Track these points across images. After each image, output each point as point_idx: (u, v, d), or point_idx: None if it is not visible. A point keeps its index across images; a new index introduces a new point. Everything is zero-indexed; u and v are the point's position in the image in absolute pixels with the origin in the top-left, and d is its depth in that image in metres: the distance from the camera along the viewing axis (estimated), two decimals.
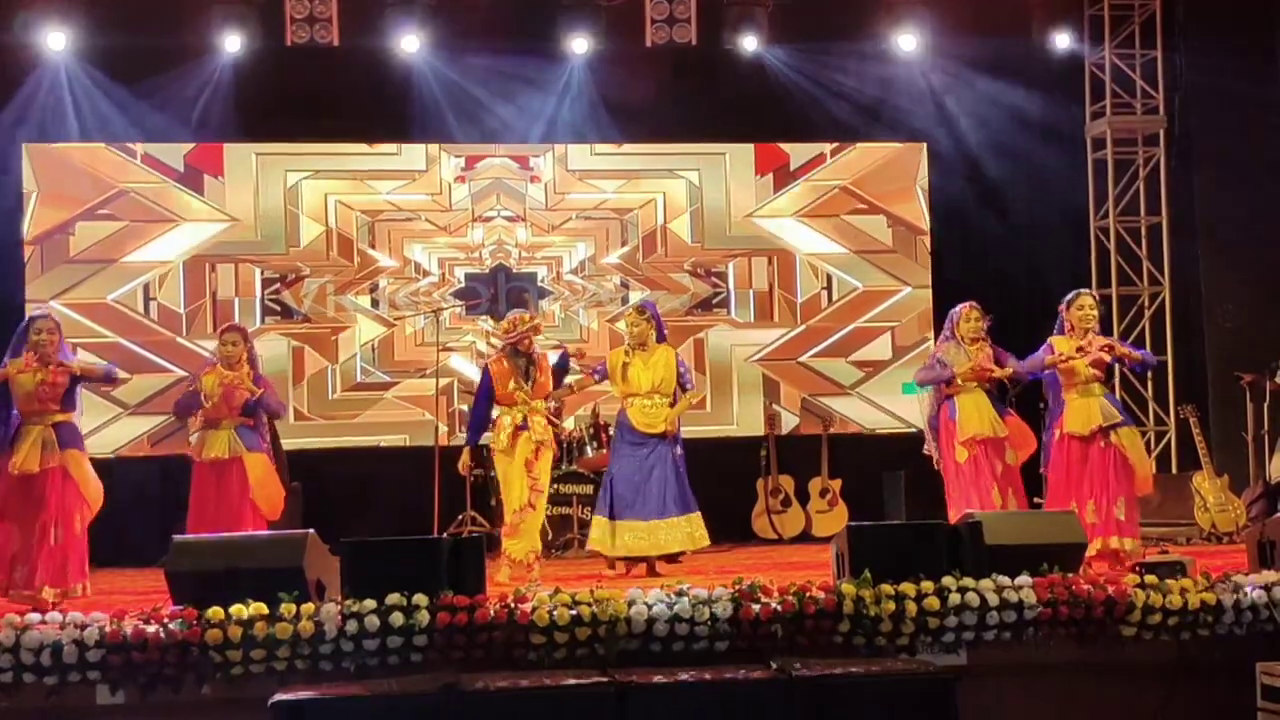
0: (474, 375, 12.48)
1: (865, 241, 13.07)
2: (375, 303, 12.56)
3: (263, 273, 12.46)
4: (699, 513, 9.42)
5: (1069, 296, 9.12)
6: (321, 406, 12.45)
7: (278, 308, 12.46)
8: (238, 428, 8.81)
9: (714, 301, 12.94)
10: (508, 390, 9.27)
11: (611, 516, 9.33)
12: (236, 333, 8.98)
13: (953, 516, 9.17)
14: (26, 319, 8.49)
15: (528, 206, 12.74)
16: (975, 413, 9.22)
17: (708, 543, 9.51)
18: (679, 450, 9.48)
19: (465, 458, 9.43)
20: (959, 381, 9.24)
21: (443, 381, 12.07)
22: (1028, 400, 11.10)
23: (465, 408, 12.21)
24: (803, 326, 13.02)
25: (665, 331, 9.72)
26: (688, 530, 9.33)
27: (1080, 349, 8.85)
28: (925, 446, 9.60)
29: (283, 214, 12.48)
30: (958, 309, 9.47)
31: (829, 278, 13.05)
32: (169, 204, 12.31)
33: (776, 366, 12.95)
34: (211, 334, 11.98)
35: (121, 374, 8.99)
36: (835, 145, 12.99)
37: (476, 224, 12.69)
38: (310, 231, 12.52)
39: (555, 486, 10.93)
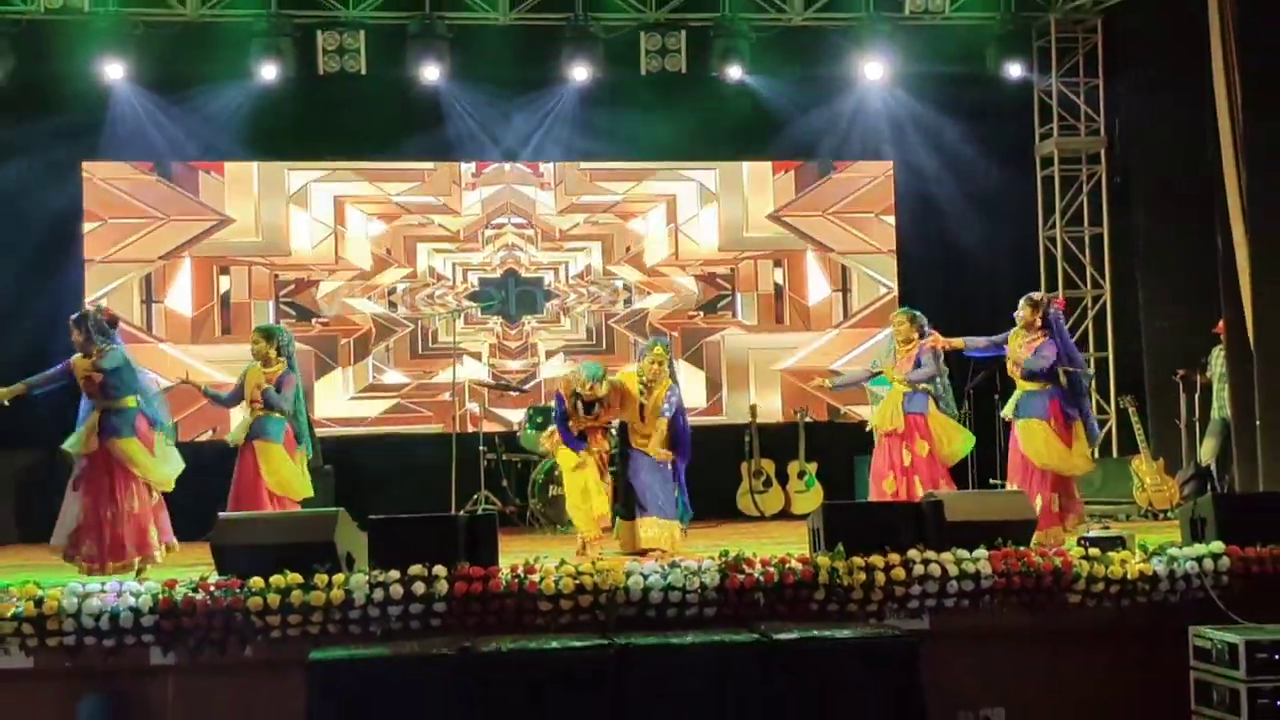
0: (484, 376, 12.50)
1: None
2: (393, 305, 12.51)
3: (276, 276, 12.35)
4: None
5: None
6: (337, 409, 12.30)
7: (293, 311, 12.35)
8: (260, 417, 8.75)
9: (719, 304, 12.85)
10: (576, 417, 9.16)
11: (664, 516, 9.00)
12: (259, 333, 8.96)
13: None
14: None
15: (537, 212, 12.70)
16: (880, 408, 9.44)
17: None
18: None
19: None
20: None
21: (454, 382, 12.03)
22: (984, 392, 11.16)
23: (476, 408, 12.17)
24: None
25: (674, 367, 9.47)
26: (673, 532, 9.07)
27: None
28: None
29: (297, 219, 12.41)
30: (893, 315, 9.68)
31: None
32: (184, 210, 12.25)
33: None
34: (218, 338, 11.97)
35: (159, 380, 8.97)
36: (818, 163, 12.98)
37: (488, 230, 12.66)
38: (322, 236, 12.43)
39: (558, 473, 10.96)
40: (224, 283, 12.28)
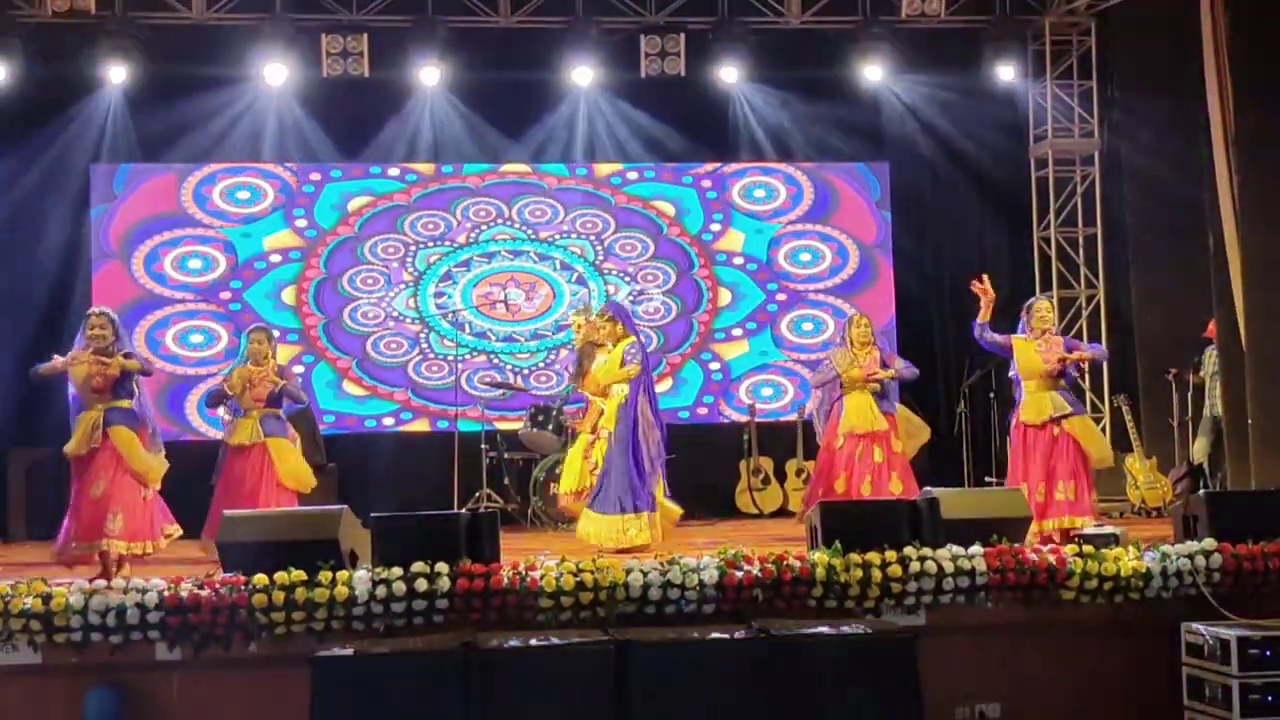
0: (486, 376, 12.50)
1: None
2: (394, 306, 12.46)
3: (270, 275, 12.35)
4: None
5: (1029, 303, 9.14)
6: (335, 409, 12.32)
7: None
8: (263, 417, 8.76)
9: (727, 305, 12.81)
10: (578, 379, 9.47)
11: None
12: (261, 332, 8.98)
13: (817, 496, 9.17)
14: (86, 314, 8.47)
15: (537, 212, 12.65)
16: (856, 411, 9.37)
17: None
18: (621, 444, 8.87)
19: None
20: (844, 384, 9.42)
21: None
22: (979, 392, 11.16)
23: (479, 409, 12.16)
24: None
25: (633, 324, 9.25)
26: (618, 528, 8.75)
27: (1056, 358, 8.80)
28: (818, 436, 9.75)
29: (297, 220, 12.39)
30: (848, 316, 9.76)
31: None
32: (184, 210, 12.28)
33: None
34: None
35: (155, 366, 9.04)
36: (815, 165, 12.98)
37: (489, 230, 12.64)
38: (323, 237, 12.40)
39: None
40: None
